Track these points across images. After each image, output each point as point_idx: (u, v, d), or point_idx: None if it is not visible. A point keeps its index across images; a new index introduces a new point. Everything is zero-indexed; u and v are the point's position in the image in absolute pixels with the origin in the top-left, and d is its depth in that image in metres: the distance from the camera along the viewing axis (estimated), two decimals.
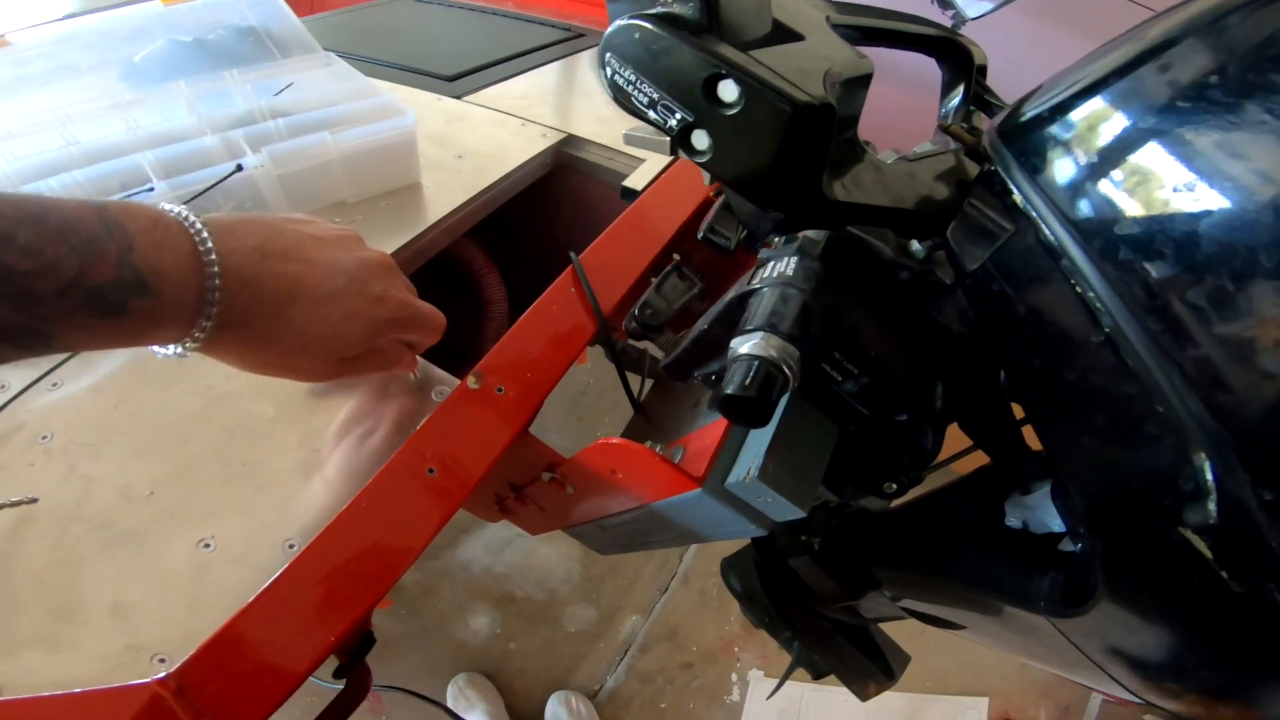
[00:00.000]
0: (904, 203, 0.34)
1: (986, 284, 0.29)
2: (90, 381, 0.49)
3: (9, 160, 0.57)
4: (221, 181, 0.57)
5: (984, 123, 0.44)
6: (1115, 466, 0.26)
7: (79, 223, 0.29)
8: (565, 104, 0.92)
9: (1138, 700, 0.33)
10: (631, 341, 0.54)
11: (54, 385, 0.49)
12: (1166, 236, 0.22)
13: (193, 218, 0.33)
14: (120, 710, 0.32)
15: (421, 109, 0.80)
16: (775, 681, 0.65)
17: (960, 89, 0.45)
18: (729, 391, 0.29)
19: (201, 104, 0.67)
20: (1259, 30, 0.23)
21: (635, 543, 0.55)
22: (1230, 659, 0.27)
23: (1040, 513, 0.36)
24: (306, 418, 0.48)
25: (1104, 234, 0.24)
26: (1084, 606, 0.29)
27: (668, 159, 0.72)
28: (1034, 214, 0.26)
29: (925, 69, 0.45)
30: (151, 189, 0.55)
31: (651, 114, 0.32)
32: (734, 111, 0.29)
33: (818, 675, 0.58)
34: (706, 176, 0.38)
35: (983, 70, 0.45)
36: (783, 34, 0.33)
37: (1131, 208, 0.23)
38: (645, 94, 0.32)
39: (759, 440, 0.37)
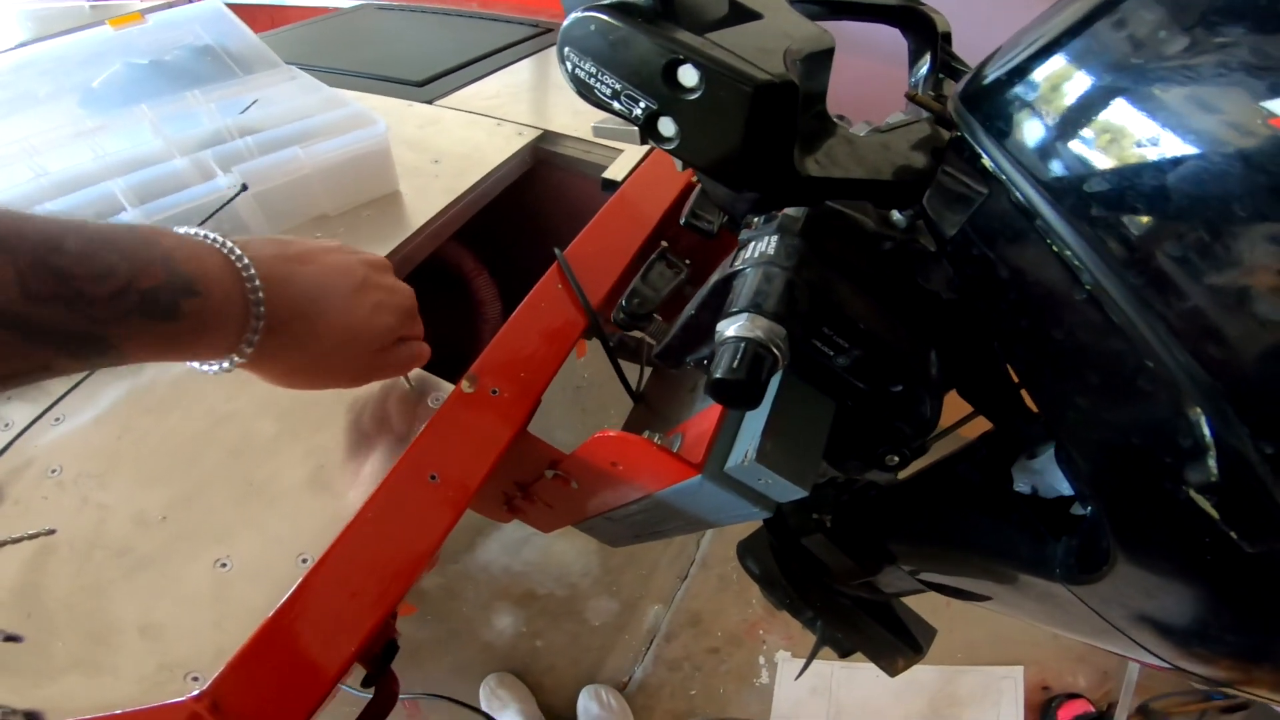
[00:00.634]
0: (880, 174, 0.33)
1: (966, 249, 0.29)
2: (92, 414, 0.50)
3: None
4: (223, 207, 0.57)
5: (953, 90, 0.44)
6: (1112, 426, 0.26)
7: (116, 235, 0.29)
8: (539, 100, 0.91)
9: (1169, 667, 0.32)
10: (623, 332, 0.54)
11: (57, 420, 0.50)
12: (1137, 191, 0.22)
13: (212, 234, 0.34)
14: None
15: (393, 116, 0.79)
16: (803, 661, 0.65)
17: (927, 58, 0.44)
18: (718, 375, 0.29)
19: (167, 126, 0.66)
20: None
21: (646, 532, 0.56)
22: (1256, 621, 0.26)
23: (1048, 476, 0.36)
24: (308, 433, 0.48)
25: (1075, 192, 0.23)
26: (1099, 572, 0.29)
27: (646, 148, 0.72)
28: (1004, 177, 0.26)
29: (894, 40, 0.45)
30: (125, 215, 0.55)
31: (616, 105, 0.32)
32: (696, 96, 0.29)
33: (844, 653, 0.58)
34: (679, 163, 0.37)
35: (947, 37, 0.44)
36: (741, 14, 0.32)
37: (1099, 164, 0.23)
38: (608, 85, 0.31)
39: (755, 422, 0.37)
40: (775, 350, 0.29)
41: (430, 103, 0.87)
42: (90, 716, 0.35)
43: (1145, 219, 0.22)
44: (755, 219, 0.38)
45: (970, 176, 0.28)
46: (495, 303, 0.82)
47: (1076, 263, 0.23)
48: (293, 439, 0.48)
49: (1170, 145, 0.21)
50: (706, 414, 0.41)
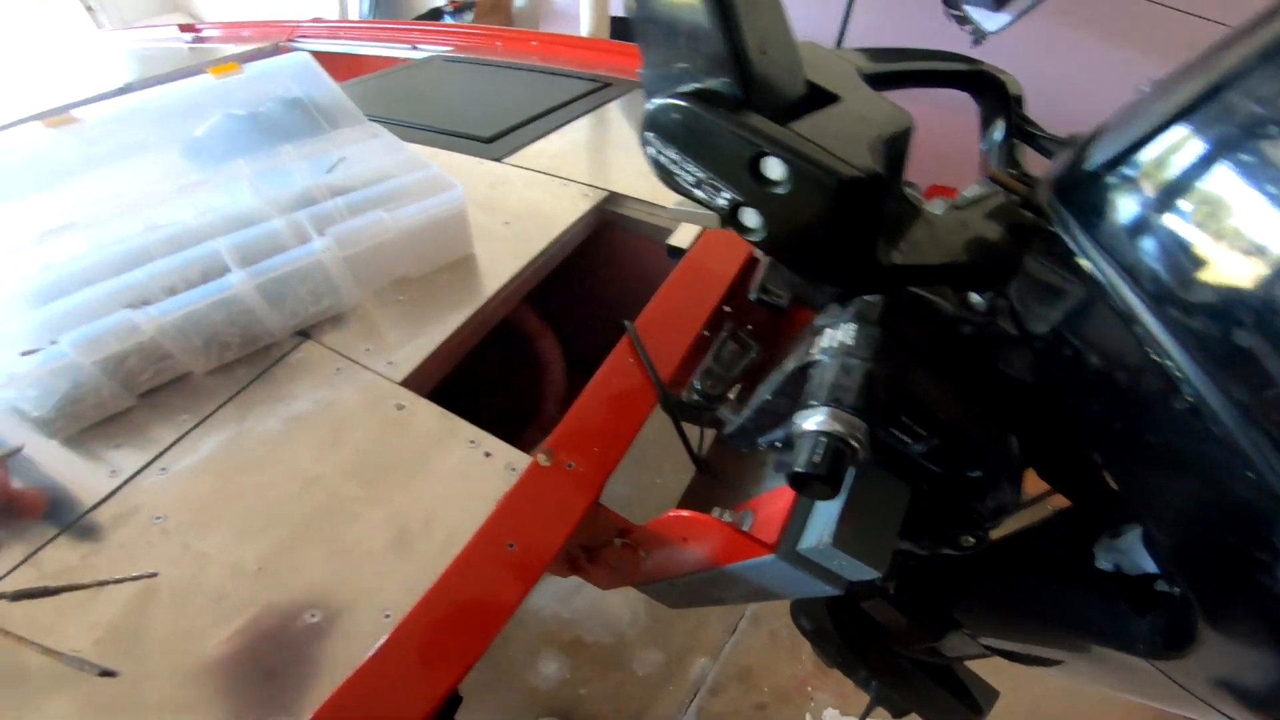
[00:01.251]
0: (961, 257, 0.33)
1: (1057, 348, 0.28)
2: (192, 464, 0.54)
3: (97, 247, 0.62)
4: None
5: (1026, 155, 0.44)
6: (1206, 525, 0.25)
7: None
8: (601, 159, 0.94)
9: None
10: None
11: (162, 470, 0.53)
12: (1248, 303, 0.21)
13: None
14: None
15: (465, 175, 0.83)
16: None
17: (1000, 123, 0.44)
18: (798, 469, 0.29)
19: (262, 183, 0.71)
20: None
21: (706, 599, 0.55)
22: None
23: (1133, 555, 0.34)
24: (390, 496, 0.51)
25: (1180, 301, 0.23)
26: (1186, 650, 0.28)
27: None
28: (1101, 279, 0.25)
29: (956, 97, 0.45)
30: (232, 276, 0.59)
31: (699, 193, 0.32)
32: (782, 189, 0.29)
33: (898, 714, 0.55)
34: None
35: (1019, 100, 0.43)
36: (819, 97, 0.32)
37: (1208, 271, 0.22)
38: (691, 174, 0.32)
39: (831, 504, 0.37)
40: (855, 444, 0.29)
41: (499, 160, 0.92)
42: None
43: (1254, 332, 0.21)
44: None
45: (1062, 274, 0.27)
46: (559, 364, 0.83)
47: (1178, 373, 0.23)
48: (377, 503, 0.50)
49: None
50: (779, 493, 0.41)
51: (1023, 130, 0.44)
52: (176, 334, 0.57)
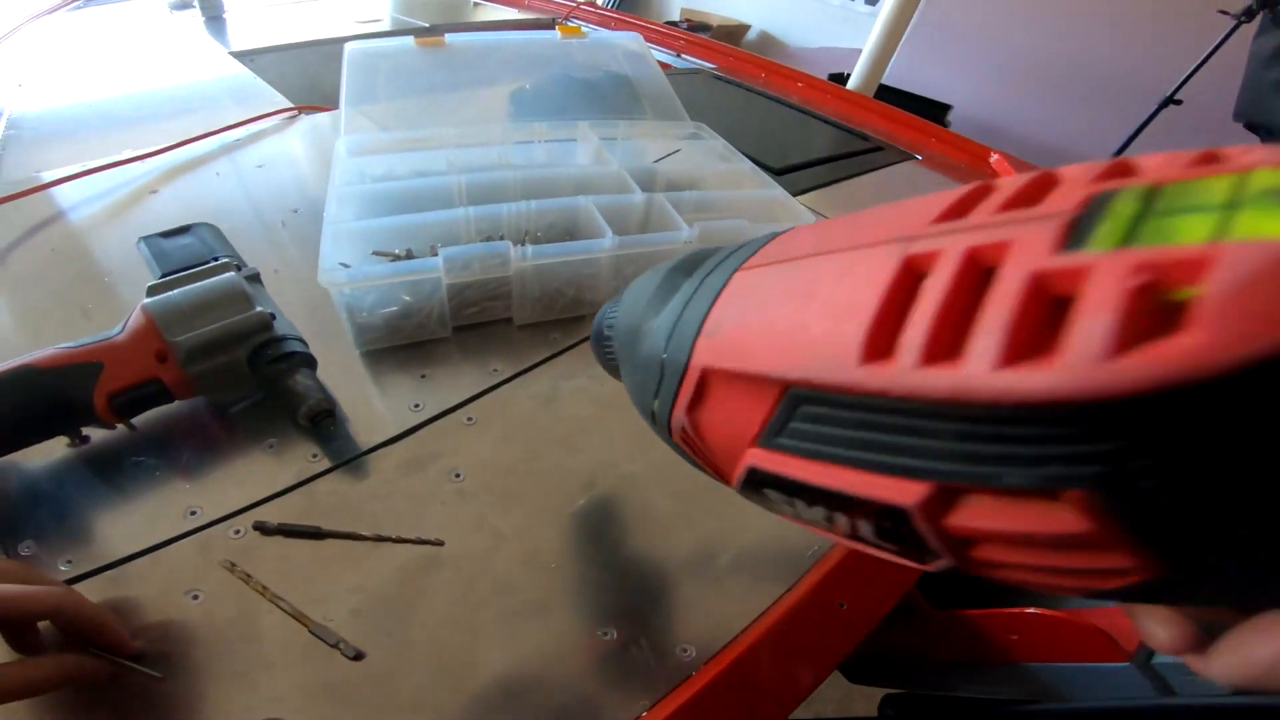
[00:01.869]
0: None
1: None
2: (500, 426, 0.49)
3: (456, 171, 0.60)
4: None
5: None
6: None
7: None
8: None
9: None
10: None
11: (469, 420, 0.49)
12: None
13: None
14: None
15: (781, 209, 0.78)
16: None
17: None
18: None
19: (607, 151, 0.68)
20: None
21: None
22: None
23: None
24: (704, 520, 0.44)
25: None
26: None
27: None
28: None
29: None
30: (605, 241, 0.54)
31: None
32: None
33: None
34: None
35: None
36: None
37: None
38: None
39: None
40: None
41: (795, 195, 0.86)
42: None
43: None
44: None
45: None
46: None
47: None
48: (689, 523, 0.44)
49: None
50: None
51: None
52: (532, 279, 0.53)
